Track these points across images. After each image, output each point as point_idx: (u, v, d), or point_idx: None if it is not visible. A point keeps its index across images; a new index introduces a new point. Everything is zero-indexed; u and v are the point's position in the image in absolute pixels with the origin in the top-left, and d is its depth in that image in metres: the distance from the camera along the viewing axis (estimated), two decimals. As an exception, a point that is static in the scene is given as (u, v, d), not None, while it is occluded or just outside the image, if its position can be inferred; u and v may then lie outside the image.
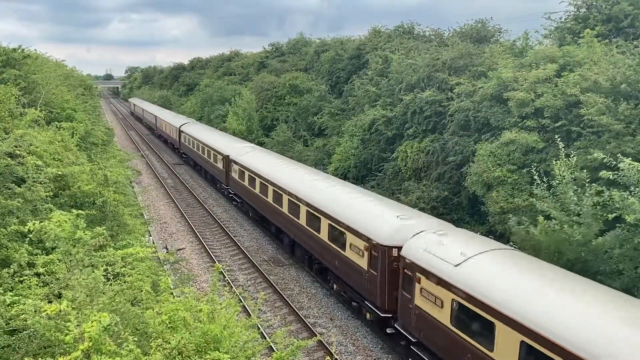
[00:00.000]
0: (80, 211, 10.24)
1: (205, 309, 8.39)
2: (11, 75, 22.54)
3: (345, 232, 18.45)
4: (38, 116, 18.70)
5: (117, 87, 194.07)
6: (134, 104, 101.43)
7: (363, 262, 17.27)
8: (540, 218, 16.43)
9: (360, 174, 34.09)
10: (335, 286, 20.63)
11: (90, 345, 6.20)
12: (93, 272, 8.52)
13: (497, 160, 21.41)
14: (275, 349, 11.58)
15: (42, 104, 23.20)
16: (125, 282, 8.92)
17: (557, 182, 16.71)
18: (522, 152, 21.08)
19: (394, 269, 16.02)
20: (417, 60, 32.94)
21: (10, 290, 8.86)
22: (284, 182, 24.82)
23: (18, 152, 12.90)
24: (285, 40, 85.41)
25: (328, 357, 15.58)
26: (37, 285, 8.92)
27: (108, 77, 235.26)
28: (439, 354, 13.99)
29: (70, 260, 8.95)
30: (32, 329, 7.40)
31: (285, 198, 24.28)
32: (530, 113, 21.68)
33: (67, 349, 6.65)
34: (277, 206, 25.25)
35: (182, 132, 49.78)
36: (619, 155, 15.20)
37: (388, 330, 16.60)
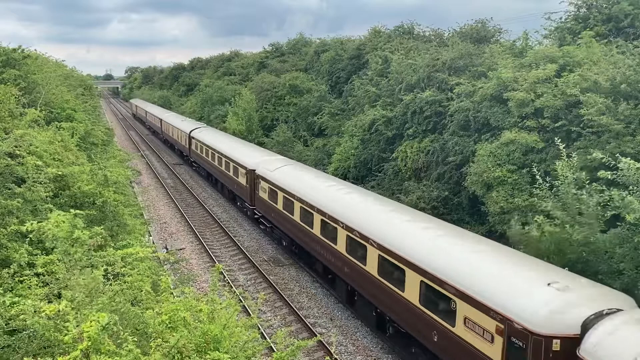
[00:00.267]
0: (78, 211, 10.24)
1: (205, 309, 8.38)
2: (11, 75, 22.57)
3: (457, 299, 12.68)
4: (38, 116, 18.73)
5: (117, 87, 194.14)
6: (136, 106, 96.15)
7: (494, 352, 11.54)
8: (542, 217, 16.44)
9: (360, 174, 34.10)
10: None
11: (89, 344, 6.19)
12: (92, 272, 8.52)
13: (497, 160, 21.39)
14: (275, 349, 11.58)
15: (42, 104, 23.23)
16: (125, 282, 8.92)
17: (560, 182, 16.72)
18: (522, 152, 21.07)
19: None
20: (417, 61, 32.94)
21: (11, 291, 8.87)
22: (338, 212, 19.17)
23: (18, 152, 12.91)
24: (285, 40, 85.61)
25: (328, 357, 15.58)
26: (37, 285, 8.94)
27: (108, 77, 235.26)
28: None
29: (70, 260, 8.95)
30: (31, 329, 7.41)
31: (341, 234, 18.62)
32: (530, 113, 21.67)
33: (67, 349, 6.66)
34: (327, 241, 19.75)
35: (193, 138, 45.01)
36: (618, 155, 15.21)
37: None
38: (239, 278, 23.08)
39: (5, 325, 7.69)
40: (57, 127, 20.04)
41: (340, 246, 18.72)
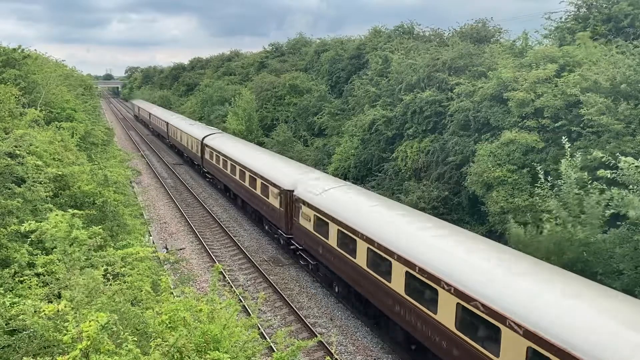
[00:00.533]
0: (76, 211, 10.25)
1: (205, 308, 8.38)
2: (11, 75, 22.58)
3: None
4: (38, 116, 18.75)
5: (117, 87, 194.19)
6: (139, 107, 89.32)
7: None
8: (545, 217, 16.47)
9: (360, 174, 34.12)
10: None
11: (88, 344, 6.19)
12: (92, 272, 8.53)
13: (497, 160, 21.40)
14: (275, 349, 11.58)
15: (42, 104, 23.25)
16: (125, 282, 8.93)
17: (563, 181, 16.74)
18: (522, 152, 21.08)
19: None
20: (417, 60, 32.95)
21: (11, 291, 8.88)
22: (438, 267, 13.59)
23: (18, 152, 12.92)
24: (285, 40, 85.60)
25: (328, 357, 15.58)
26: (37, 285, 8.95)
27: (108, 77, 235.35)
28: None
29: (70, 260, 8.96)
30: (31, 329, 7.42)
31: (445, 297, 13.06)
32: (530, 113, 21.68)
33: (66, 348, 6.66)
34: (419, 305, 14.37)
35: (207, 146, 39.37)
36: (618, 154, 15.24)
37: None
38: (239, 278, 23.08)
39: (5, 325, 7.70)
40: (57, 127, 20.05)
41: (445, 318, 13.18)
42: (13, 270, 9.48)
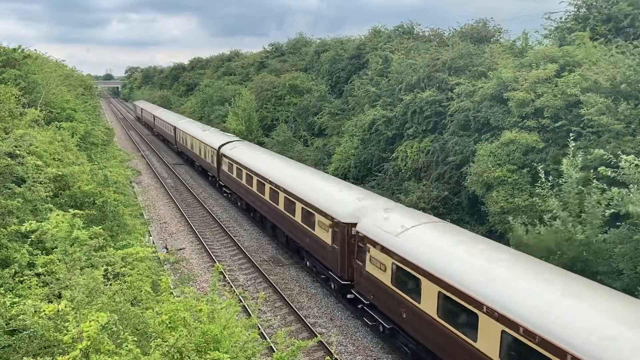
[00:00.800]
0: (77, 211, 10.25)
1: (205, 309, 8.39)
2: (11, 75, 22.59)
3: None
4: (38, 116, 18.76)
5: (117, 87, 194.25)
6: (142, 108, 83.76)
7: None
8: (545, 217, 16.48)
9: (360, 174, 34.14)
10: None
11: (88, 344, 6.20)
12: (92, 272, 8.53)
13: (497, 160, 21.41)
14: (275, 349, 11.58)
15: (42, 104, 23.25)
16: (125, 282, 8.93)
17: (564, 180, 16.75)
18: (522, 152, 21.09)
19: None
20: (417, 60, 32.96)
21: (11, 291, 8.88)
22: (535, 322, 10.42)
23: (18, 152, 12.92)
24: (285, 40, 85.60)
25: (328, 357, 15.58)
26: (37, 285, 8.95)
27: (108, 77, 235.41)
28: None
29: (70, 261, 8.97)
30: (31, 329, 7.42)
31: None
32: (530, 113, 21.69)
33: (66, 348, 6.66)
34: None
35: (225, 156, 34.40)
36: (620, 153, 15.26)
37: None
38: (239, 278, 23.08)
39: (6, 325, 7.70)
40: (57, 127, 20.05)
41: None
42: (13, 270, 9.47)
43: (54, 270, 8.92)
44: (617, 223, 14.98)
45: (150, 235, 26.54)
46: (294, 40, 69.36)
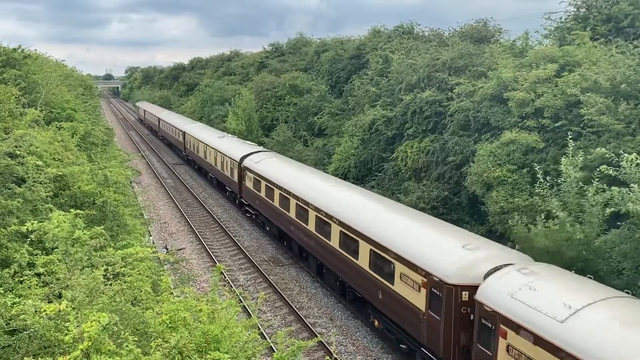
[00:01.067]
0: (78, 211, 10.24)
1: (206, 309, 8.39)
2: (11, 75, 22.57)
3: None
4: (38, 116, 18.75)
5: (117, 87, 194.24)
6: (144, 110, 79.04)
7: None
8: (538, 218, 16.48)
9: (360, 174, 34.13)
10: None
11: (89, 344, 6.20)
12: (93, 272, 8.53)
13: (497, 160, 21.41)
14: (275, 349, 11.58)
15: (42, 104, 23.24)
16: (125, 282, 8.93)
17: (563, 179, 16.75)
18: (522, 152, 21.09)
19: None
20: (417, 60, 32.95)
21: (11, 291, 8.88)
22: None
23: (18, 152, 12.91)
24: (285, 40, 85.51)
25: (328, 357, 15.58)
26: (37, 285, 8.95)
27: (108, 77, 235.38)
28: None
29: (71, 260, 8.96)
30: (32, 329, 7.41)
31: None
32: (530, 113, 21.69)
33: (67, 349, 6.66)
34: None
35: (249, 170, 29.44)
36: (621, 151, 15.27)
37: None
38: (239, 278, 23.08)
39: (6, 325, 7.69)
40: (57, 127, 20.03)
41: None
42: (13, 270, 9.47)
43: (54, 270, 8.92)
44: (618, 223, 14.98)
45: (150, 235, 26.54)
46: (294, 40, 69.34)
